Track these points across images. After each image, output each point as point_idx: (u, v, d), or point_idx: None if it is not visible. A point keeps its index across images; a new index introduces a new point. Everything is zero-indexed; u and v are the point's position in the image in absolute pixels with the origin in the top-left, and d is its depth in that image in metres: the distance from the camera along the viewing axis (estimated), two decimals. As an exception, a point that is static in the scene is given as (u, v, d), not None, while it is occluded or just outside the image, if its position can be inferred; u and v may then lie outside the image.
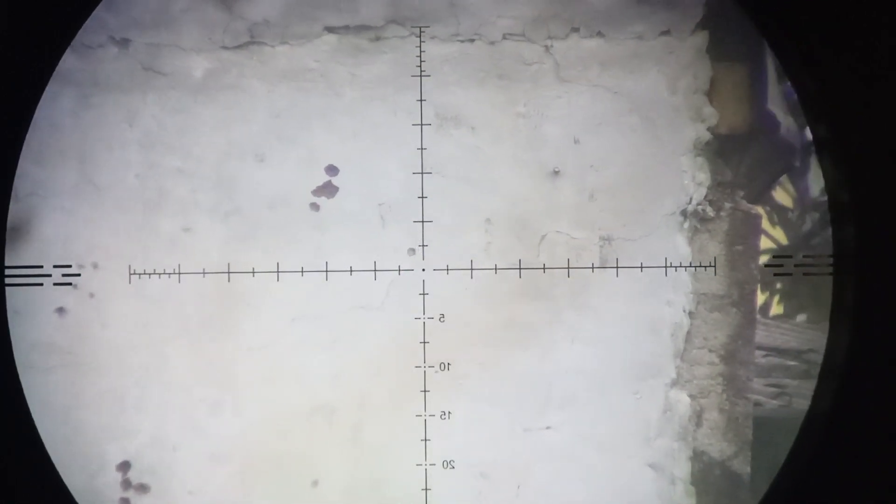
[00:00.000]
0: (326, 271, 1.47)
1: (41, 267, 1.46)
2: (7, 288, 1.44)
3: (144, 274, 1.46)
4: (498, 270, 1.47)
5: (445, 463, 1.48)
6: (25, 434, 1.43)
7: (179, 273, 1.47)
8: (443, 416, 1.48)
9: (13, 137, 1.43)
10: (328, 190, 1.47)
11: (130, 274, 1.46)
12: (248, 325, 1.47)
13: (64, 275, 1.46)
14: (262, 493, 1.47)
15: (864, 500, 1.36)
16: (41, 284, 1.45)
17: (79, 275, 1.46)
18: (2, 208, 1.43)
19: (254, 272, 1.47)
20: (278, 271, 1.47)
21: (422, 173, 1.47)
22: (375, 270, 1.47)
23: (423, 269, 1.48)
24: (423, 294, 1.48)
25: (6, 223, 1.44)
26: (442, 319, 1.48)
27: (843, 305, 1.42)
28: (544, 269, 1.47)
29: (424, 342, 1.48)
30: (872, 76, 1.35)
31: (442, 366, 1.48)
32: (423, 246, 1.48)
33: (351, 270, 1.47)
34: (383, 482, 1.47)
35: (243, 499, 1.47)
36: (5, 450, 1.40)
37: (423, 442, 1.48)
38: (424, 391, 1.48)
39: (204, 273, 1.47)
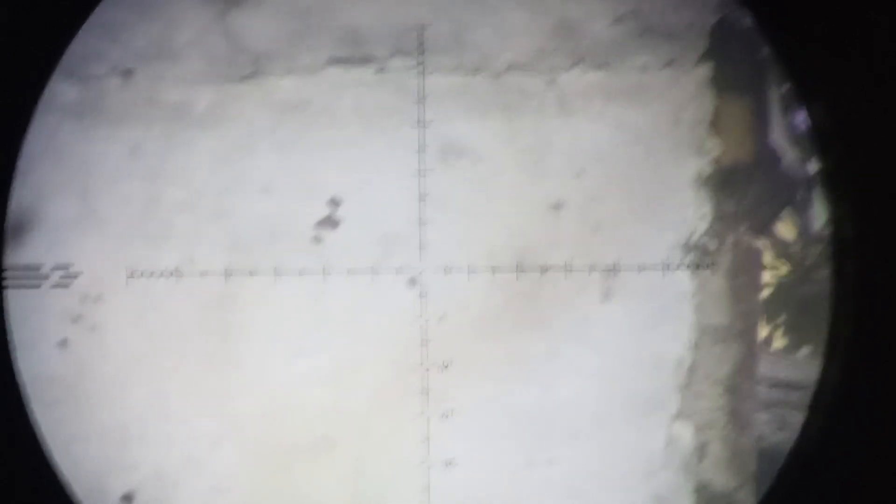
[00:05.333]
0: (325, 272, 1.47)
1: (41, 267, 1.45)
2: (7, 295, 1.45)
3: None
4: (497, 272, 1.47)
5: (446, 463, 1.48)
6: (25, 437, 1.43)
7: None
8: (443, 417, 1.48)
9: (13, 135, 1.43)
10: (330, 223, 1.47)
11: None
12: (248, 330, 1.47)
13: (62, 276, 1.46)
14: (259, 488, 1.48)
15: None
16: (39, 286, 1.45)
17: (78, 275, 1.46)
18: (1, 208, 1.43)
19: (251, 273, 1.46)
20: (277, 272, 1.47)
21: (421, 174, 1.47)
22: (375, 270, 1.48)
23: (423, 270, 1.47)
24: (423, 294, 1.48)
25: (6, 223, 1.44)
26: (442, 319, 1.48)
27: (841, 308, 1.42)
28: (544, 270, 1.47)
29: (424, 342, 1.48)
30: (874, 76, 1.36)
31: (442, 366, 1.48)
32: (422, 246, 1.47)
33: (350, 271, 1.47)
34: (383, 482, 1.47)
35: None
36: (4, 452, 1.41)
37: (424, 442, 1.48)
38: (424, 391, 1.48)
39: (206, 275, 1.47)
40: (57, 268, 1.46)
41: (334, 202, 1.47)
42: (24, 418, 1.43)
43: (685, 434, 1.47)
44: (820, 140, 1.43)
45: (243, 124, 1.46)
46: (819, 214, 1.46)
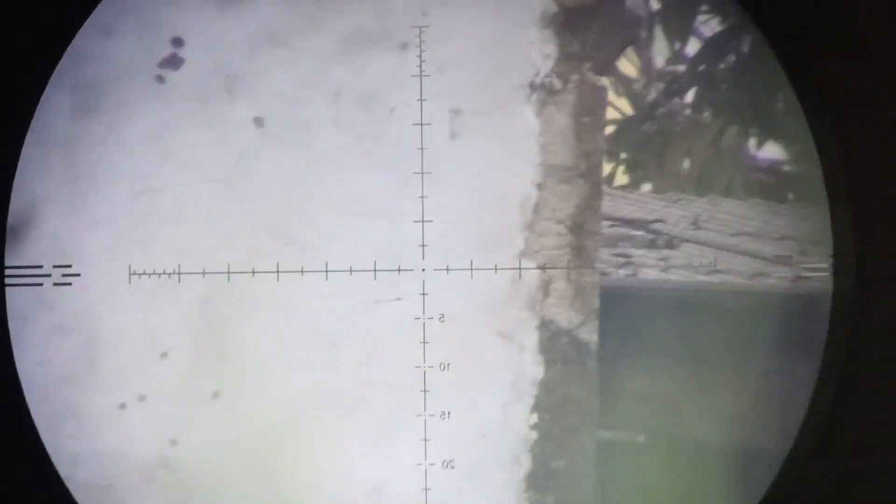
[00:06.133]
0: (326, 271, 1.47)
1: (41, 267, 1.45)
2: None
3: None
4: (498, 271, 1.47)
5: (445, 463, 1.48)
6: (25, 437, 1.43)
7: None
8: (443, 416, 1.48)
9: (13, 135, 1.42)
10: None
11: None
12: (245, 324, 1.47)
13: (64, 275, 1.45)
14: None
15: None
16: (41, 285, 1.45)
17: (79, 275, 1.45)
18: (2, 208, 1.42)
19: (253, 272, 1.46)
20: (278, 271, 1.47)
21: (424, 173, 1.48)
22: (375, 270, 1.47)
23: (423, 269, 1.47)
24: (423, 294, 1.48)
25: (6, 223, 1.43)
26: (442, 319, 1.48)
27: (841, 305, 1.44)
28: (544, 268, 1.47)
29: (424, 342, 1.48)
30: (875, 77, 1.36)
31: (442, 366, 1.48)
32: (423, 245, 1.47)
33: (351, 270, 1.47)
34: (383, 482, 1.48)
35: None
36: (4, 452, 1.41)
37: (423, 442, 1.48)
38: (424, 391, 1.48)
39: (204, 273, 1.47)
40: (57, 266, 1.46)
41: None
42: (23, 413, 1.43)
43: (530, 271, 1.48)
44: (819, 140, 1.45)
45: None
46: (661, 51, 1.47)
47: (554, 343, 1.48)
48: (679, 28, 1.47)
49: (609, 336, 1.47)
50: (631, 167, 1.48)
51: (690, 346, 1.46)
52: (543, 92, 1.47)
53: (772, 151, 1.46)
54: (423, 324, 1.48)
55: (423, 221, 1.47)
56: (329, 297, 1.47)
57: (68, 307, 1.46)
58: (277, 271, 1.47)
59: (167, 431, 1.46)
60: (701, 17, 1.48)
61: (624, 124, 1.48)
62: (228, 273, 1.47)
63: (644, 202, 1.48)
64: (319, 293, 1.47)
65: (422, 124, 1.47)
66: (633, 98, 1.48)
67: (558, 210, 1.48)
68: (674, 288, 1.47)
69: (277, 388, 1.47)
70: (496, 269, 1.47)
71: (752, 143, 1.46)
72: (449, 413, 1.48)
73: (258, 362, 1.47)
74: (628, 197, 1.48)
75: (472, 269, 1.48)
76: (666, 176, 1.47)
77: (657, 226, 1.47)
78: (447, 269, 1.48)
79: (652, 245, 1.47)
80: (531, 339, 1.48)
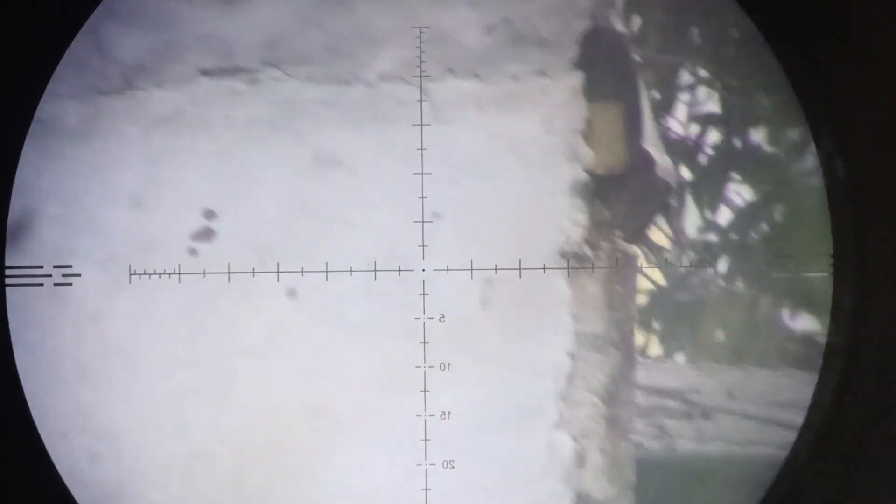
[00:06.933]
0: (327, 271, 1.46)
1: (41, 267, 1.44)
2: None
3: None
4: (498, 271, 1.46)
5: (445, 463, 1.46)
6: (25, 437, 1.41)
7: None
8: (443, 416, 1.46)
9: (13, 136, 1.41)
10: (206, 234, 1.46)
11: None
12: (248, 325, 1.46)
13: (64, 275, 1.44)
14: (258, 487, 1.46)
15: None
16: (41, 285, 1.44)
17: (79, 275, 1.44)
18: (2, 208, 1.41)
19: (254, 272, 1.45)
20: (278, 271, 1.46)
21: (422, 174, 1.47)
22: (376, 270, 1.46)
23: (424, 270, 1.46)
24: (423, 294, 1.46)
25: (6, 223, 1.43)
26: (442, 319, 1.46)
27: (842, 302, 1.42)
28: (544, 268, 1.46)
29: (424, 342, 1.46)
30: (874, 77, 1.35)
31: (442, 366, 1.46)
32: (423, 246, 1.46)
33: (351, 271, 1.46)
34: (383, 482, 1.45)
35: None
36: (5, 452, 1.39)
37: (423, 442, 1.46)
38: (424, 391, 1.46)
39: (205, 273, 1.46)
40: (57, 266, 1.45)
41: (209, 214, 1.46)
42: (23, 413, 1.41)
43: (564, 443, 1.46)
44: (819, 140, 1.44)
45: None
46: (692, 220, 1.47)
47: (589, 517, 1.46)
48: (710, 196, 1.47)
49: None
50: (664, 337, 1.46)
51: (728, 518, 1.43)
52: (574, 260, 1.47)
53: (805, 322, 1.45)
54: (424, 324, 1.46)
55: (423, 222, 1.46)
56: (328, 297, 1.46)
57: (68, 307, 1.44)
58: (278, 271, 1.46)
59: (169, 429, 1.45)
60: (732, 186, 1.48)
61: (656, 293, 1.47)
62: (229, 273, 1.45)
63: (678, 371, 1.46)
64: (319, 293, 1.46)
65: (422, 125, 1.47)
66: (665, 267, 1.47)
67: (591, 379, 1.46)
68: (710, 459, 1.44)
69: (276, 387, 1.45)
70: (496, 269, 1.46)
71: (785, 313, 1.45)
72: (449, 413, 1.46)
73: (258, 361, 1.45)
74: (662, 367, 1.47)
75: (472, 270, 1.46)
76: (699, 345, 1.45)
77: (692, 396, 1.45)
78: (447, 270, 1.46)
79: (687, 416, 1.45)
80: (566, 512, 1.46)
